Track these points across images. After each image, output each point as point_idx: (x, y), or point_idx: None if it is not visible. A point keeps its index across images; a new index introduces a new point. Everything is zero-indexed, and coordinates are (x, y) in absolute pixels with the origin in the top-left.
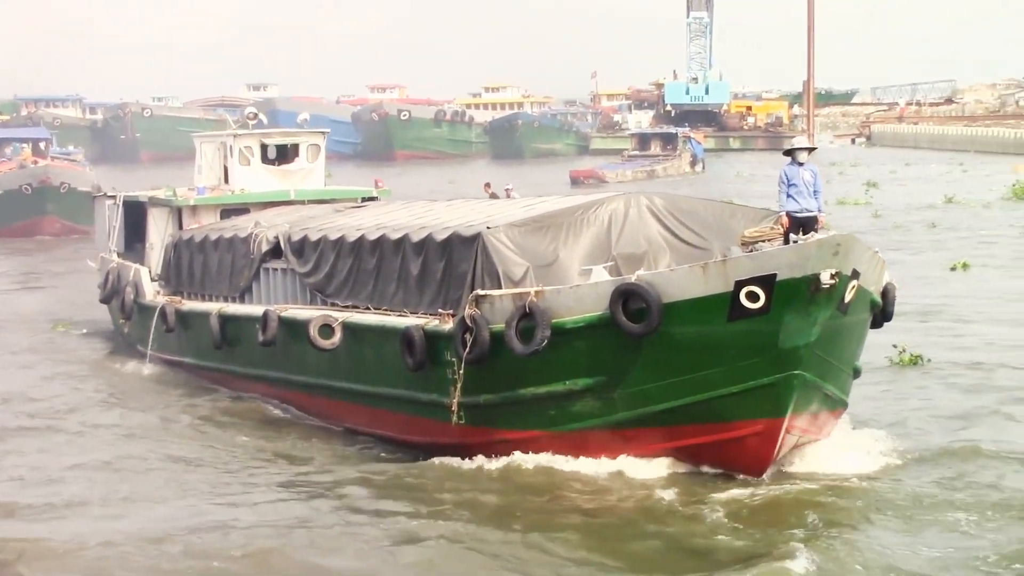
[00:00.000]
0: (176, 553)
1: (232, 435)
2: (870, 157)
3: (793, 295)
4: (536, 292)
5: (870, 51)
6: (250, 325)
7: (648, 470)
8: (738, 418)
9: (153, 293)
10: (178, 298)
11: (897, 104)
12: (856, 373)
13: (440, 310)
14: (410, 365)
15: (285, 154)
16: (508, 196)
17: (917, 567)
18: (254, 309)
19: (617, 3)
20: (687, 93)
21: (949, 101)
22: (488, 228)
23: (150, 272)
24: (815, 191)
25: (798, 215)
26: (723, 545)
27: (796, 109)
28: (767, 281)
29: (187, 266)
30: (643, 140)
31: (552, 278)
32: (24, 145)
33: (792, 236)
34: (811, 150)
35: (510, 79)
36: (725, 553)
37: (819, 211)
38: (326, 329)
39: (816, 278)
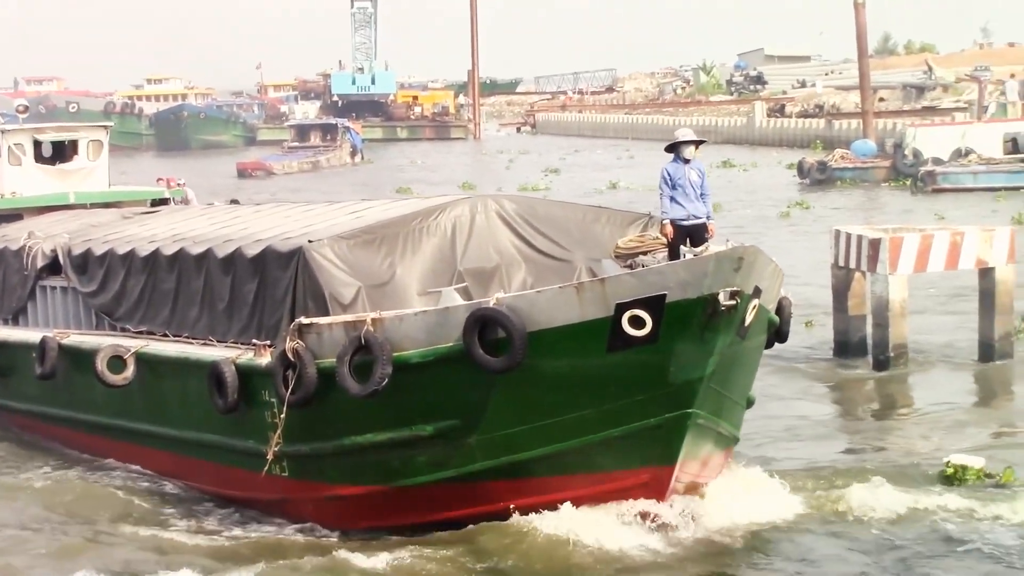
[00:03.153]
0: None
1: None
2: (538, 145)
3: (686, 319)
4: (373, 320)
5: (533, 40)
6: (25, 353)
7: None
8: (620, 467)
9: None
10: None
11: (564, 92)
12: (749, 404)
13: (255, 340)
14: (220, 406)
15: (62, 152)
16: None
17: None
18: (29, 335)
19: None
20: (353, 83)
21: (610, 90)
22: (310, 241)
23: None
24: (702, 194)
25: (684, 223)
26: None
27: (462, 99)
28: (655, 303)
29: None
30: (302, 131)
31: (388, 301)
32: None
33: (683, 249)
34: (699, 143)
35: (172, 71)
36: None
37: (708, 217)
38: (116, 362)
39: (714, 299)
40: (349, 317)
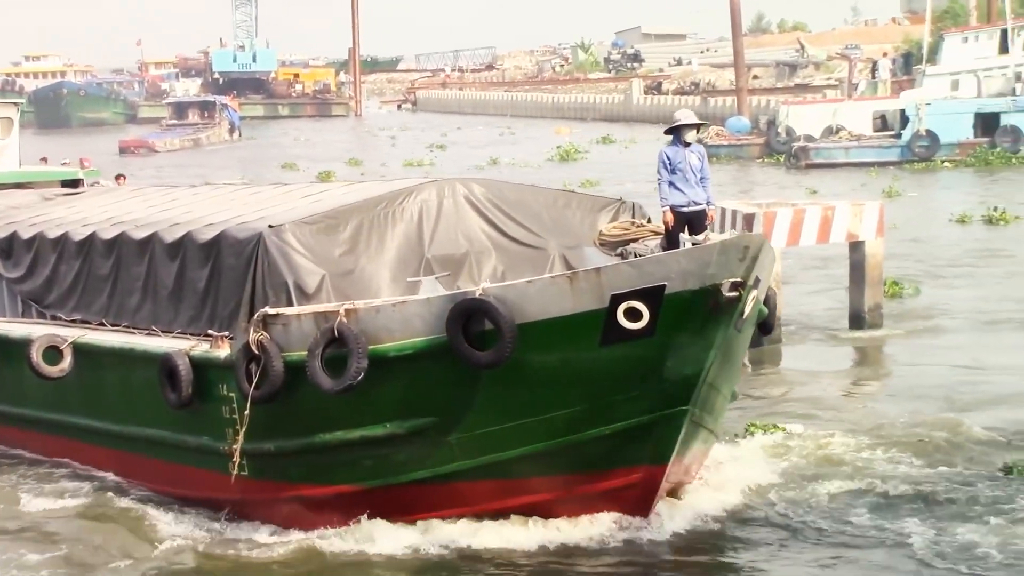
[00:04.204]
0: None
1: None
2: (419, 122)
3: (685, 312)
4: (347, 311)
5: (413, 19)
6: None
7: (491, 533)
8: (611, 466)
9: None
10: None
11: (443, 70)
12: (732, 398)
13: (210, 331)
14: (172, 401)
15: None
16: None
17: None
18: None
19: None
20: (234, 61)
21: (490, 67)
22: (271, 226)
23: None
24: (702, 178)
25: (684, 209)
26: None
27: (343, 76)
28: (653, 295)
29: None
30: (179, 109)
31: (354, 290)
32: None
33: (682, 237)
34: (699, 126)
35: (50, 48)
36: None
37: (708, 203)
38: (52, 352)
39: (716, 290)
40: (319, 307)
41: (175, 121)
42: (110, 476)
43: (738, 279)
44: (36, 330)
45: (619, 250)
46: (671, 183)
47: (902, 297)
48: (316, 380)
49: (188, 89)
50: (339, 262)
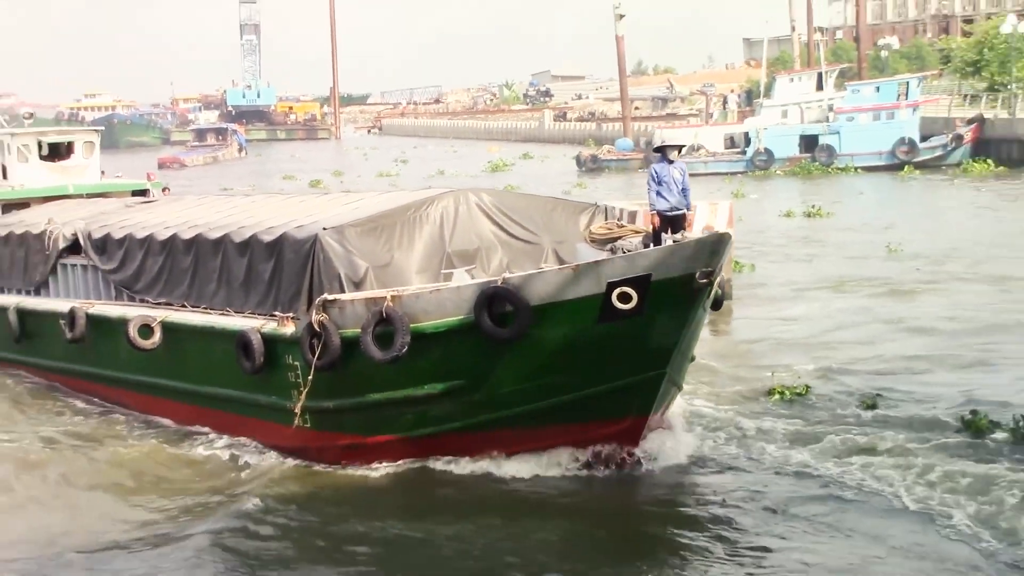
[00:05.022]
0: None
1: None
2: (384, 143)
3: (667, 295)
4: (393, 296)
5: (379, 64)
6: (53, 320)
7: (514, 467)
8: (605, 417)
9: None
10: None
11: (400, 103)
12: (691, 360)
13: (276, 312)
14: (247, 368)
15: (60, 151)
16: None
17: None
18: (57, 304)
19: (185, 28)
20: (243, 97)
21: (437, 101)
22: (325, 229)
23: None
24: (683, 188)
25: (668, 213)
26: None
27: (326, 108)
28: (642, 282)
29: None
30: (200, 133)
31: (390, 279)
32: None
33: (664, 236)
34: (681, 148)
35: (103, 87)
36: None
37: (687, 208)
38: (145, 329)
39: (691, 278)
40: (370, 293)
41: (197, 143)
42: (192, 427)
43: (709, 269)
44: (130, 311)
45: (609, 246)
46: (658, 192)
47: (742, 273)
48: (368, 352)
49: (209, 119)
50: (379, 256)
